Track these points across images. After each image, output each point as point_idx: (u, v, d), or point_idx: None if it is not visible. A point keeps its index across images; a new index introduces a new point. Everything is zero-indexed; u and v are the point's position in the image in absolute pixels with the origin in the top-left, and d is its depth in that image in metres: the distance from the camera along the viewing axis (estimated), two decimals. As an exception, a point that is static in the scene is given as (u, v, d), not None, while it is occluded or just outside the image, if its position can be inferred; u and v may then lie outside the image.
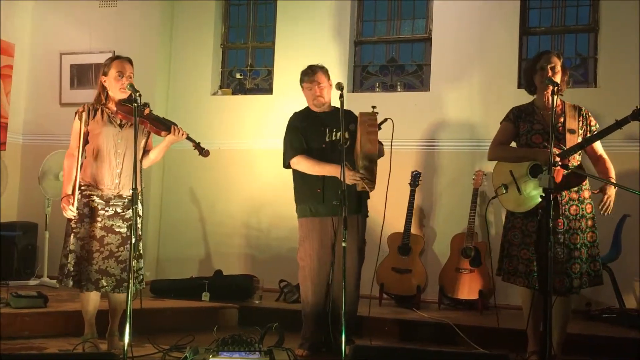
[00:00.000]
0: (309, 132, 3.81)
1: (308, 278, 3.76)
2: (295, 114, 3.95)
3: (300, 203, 3.86)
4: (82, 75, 6.25)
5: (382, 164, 3.64)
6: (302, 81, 3.91)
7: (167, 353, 3.48)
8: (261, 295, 5.05)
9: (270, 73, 6.21)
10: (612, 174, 3.42)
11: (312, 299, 3.76)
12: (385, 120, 3.63)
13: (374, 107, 3.61)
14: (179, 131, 3.58)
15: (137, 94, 3.27)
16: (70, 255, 3.45)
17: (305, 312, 3.81)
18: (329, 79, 3.90)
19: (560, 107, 3.45)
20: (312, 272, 3.74)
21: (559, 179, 3.25)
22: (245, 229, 5.95)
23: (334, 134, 3.79)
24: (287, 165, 3.85)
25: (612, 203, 3.34)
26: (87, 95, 5.86)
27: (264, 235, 5.90)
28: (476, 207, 4.99)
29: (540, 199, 3.22)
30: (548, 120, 3.39)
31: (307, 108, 3.94)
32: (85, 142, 3.58)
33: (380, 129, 3.63)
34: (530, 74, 3.50)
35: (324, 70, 3.90)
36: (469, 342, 3.99)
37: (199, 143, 3.65)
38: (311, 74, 3.86)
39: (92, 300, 3.54)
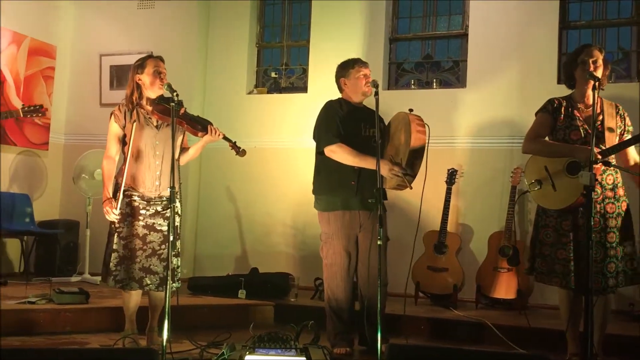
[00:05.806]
0: (346, 123, 3.69)
1: (338, 276, 3.68)
2: (331, 102, 3.81)
3: (325, 194, 3.73)
4: (121, 76, 6.36)
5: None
6: (351, 68, 3.76)
7: (205, 349, 3.51)
8: (297, 293, 5.07)
9: (305, 71, 6.23)
10: None
11: (343, 296, 3.68)
12: None
13: (411, 109, 3.59)
14: (216, 131, 3.56)
15: (175, 94, 3.28)
16: (113, 254, 3.50)
17: (333, 309, 3.70)
18: None
19: (599, 104, 3.34)
20: (343, 270, 3.67)
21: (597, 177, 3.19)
22: (282, 227, 5.98)
23: (368, 129, 3.71)
24: (321, 151, 3.73)
25: None
26: (126, 95, 5.99)
27: (300, 233, 5.91)
28: (514, 205, 4.92)
29: (575, 197, 3.15)
30: (586, 116, 3.31)
31: (342, 99, 3.82)
32: (122, 142, 3.59)
33: None
34: (571, 68, 3.40)
35: None
36: (507, 342, 3.93)
37: (236, 142, 3.62)
38: (364, 63, 3.80)
39: (134, 298, 3.60)
